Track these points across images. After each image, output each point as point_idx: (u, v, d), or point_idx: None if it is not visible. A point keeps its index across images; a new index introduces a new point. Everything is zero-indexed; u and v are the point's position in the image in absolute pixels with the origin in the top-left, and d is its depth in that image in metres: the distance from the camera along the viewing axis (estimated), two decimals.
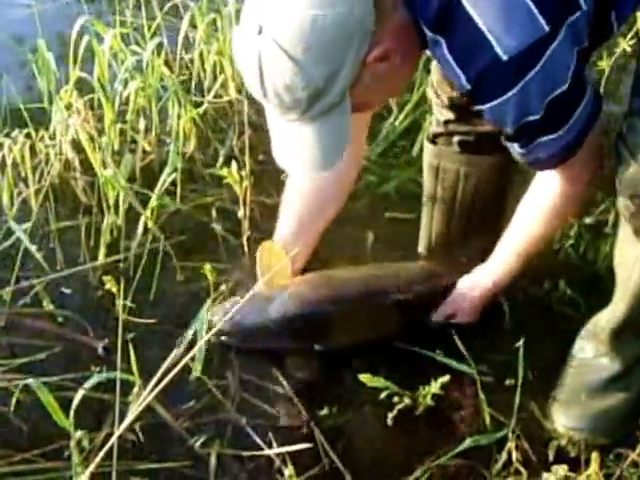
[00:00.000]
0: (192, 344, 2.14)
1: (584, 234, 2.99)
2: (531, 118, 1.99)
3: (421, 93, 3.51)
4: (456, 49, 1.96)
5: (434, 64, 2.67)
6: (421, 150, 2.95)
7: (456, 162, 2.76)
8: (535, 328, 2.61)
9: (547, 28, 1.86)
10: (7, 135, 3.14)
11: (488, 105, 2.00)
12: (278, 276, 2.53)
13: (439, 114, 2.74)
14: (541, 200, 2.34)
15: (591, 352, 2.40)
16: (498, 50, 1.88)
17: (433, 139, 2.78)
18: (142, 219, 2.82)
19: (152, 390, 1.71)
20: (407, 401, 2.37)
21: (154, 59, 3.32)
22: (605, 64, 3.48)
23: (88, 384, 2.08)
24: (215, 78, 3.65)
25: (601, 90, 3.38)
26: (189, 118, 3.29)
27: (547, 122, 2.02)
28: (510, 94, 1.94)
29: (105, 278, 2.47)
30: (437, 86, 2.69)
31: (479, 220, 2.82)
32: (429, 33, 1.97)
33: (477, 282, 2.58)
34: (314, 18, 1.80)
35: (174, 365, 1.69)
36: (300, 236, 2.65)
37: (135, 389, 2.09)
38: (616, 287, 2.28)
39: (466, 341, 2.43)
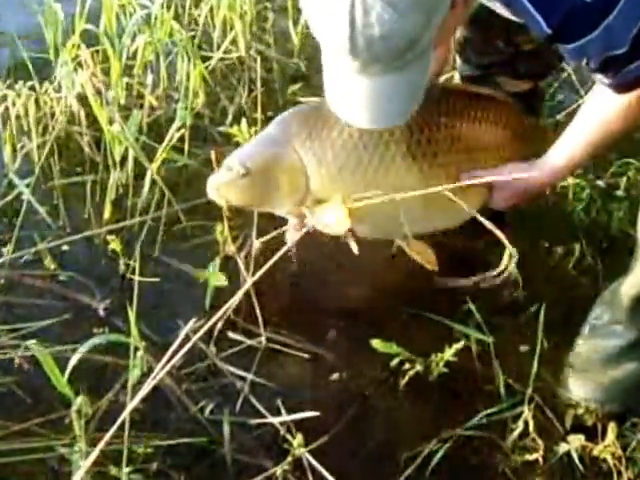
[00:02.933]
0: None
1: (596, 197, 2.83)
2: (617, 52, 1.88)
3: None
4: None
5: None
6: None
7: None
8: (549, 294, 2.44)
9: None
10: (10, 87, 2.97)
11: (571, 46, 1.90)
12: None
13: (462, 69, 2.65)
14: (607, 100, 2.13)
15: (607, 319, 2.24)
16: None
17: None
18: (148, 174, 2.64)
19: (164, 366, 1.48)
20: (419, 367, 2.21)
21: (163, 13, 3.15)
22: None
23: (85, 347, 1.93)
24: (225, 34, 3.46)
25: None
26: (198, 74, 3.10)
27: (633, 53, 1.89)
28: (595, 34, 1.85)
29: (109, 238, 2.33)
30: (463, 42, 2.59)
31: None
32: None
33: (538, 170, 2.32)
34: None
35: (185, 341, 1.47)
36: None
37: (139, 353, 1.88)
38: (636, 253, 2.13)
39: (480, 308, 2.30)
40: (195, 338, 1.48)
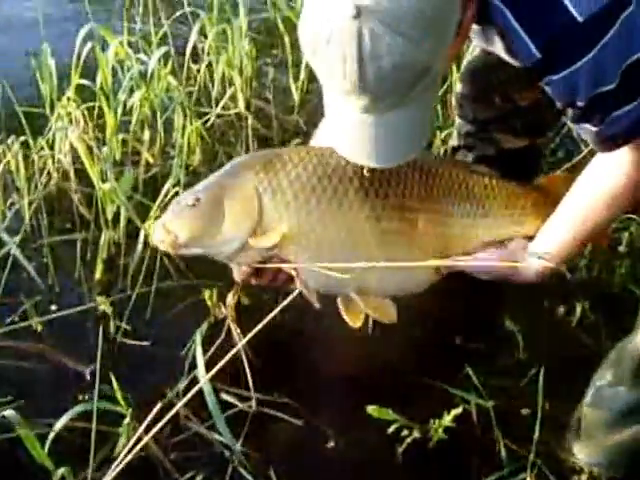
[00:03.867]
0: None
1: (597, 253, 2.72)
2: (605, 88, 1.81)
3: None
4: (525, 16, 1.79)
5: (460, 76, 2.50)
6: None
7: None
8: (551, 355, 2.36)
9: None
10: (2, 142, 2.90)
11: (561, 74, 1.82)
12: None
13: (460, 126, 2.52)
14: (599, 183, 2.07)
15: (612, 380, 2.14)
16: (573, 11, 1.73)
17: (452, 153, 2.52)
18: (142, 234, 2.55)
19: (148, 431, 1.39)
20: (417, 434, 2.11)
21: (160, 68, 3.09)
22: None
23: (68, 415, 1.87)
24: (224, 90, 3.39)
25: None
26: (195, 130, 3.04)
27: (623, 91, 1.82)
28: (585, 59, 1.78)
29: (99, 299, 2.27)
30: (460, 98, 2.52)
31: None
32: (495, 1, 1.79)
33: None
34: None
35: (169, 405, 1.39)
36: None
37: (126, 420, 1.79)
38: None
39: (479, 370, 2.21)
40: (177, 407, 1.40)
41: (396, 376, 2.29)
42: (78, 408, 1.87)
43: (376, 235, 2.08)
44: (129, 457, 1.37)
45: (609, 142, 1.95)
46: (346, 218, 2.07)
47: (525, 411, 2.21)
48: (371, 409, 2.08)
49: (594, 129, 1.92)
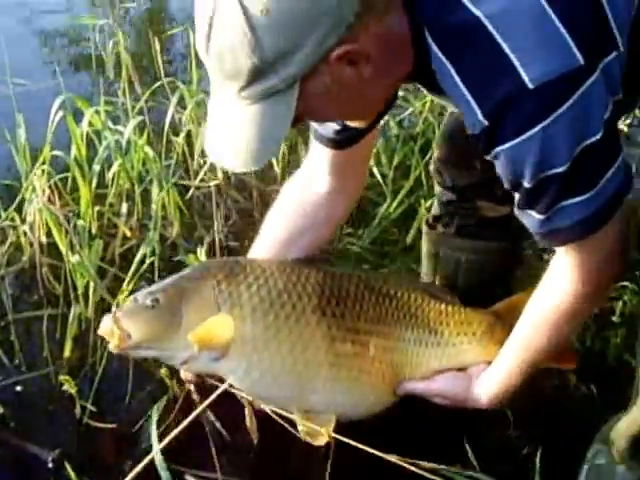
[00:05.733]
0: None
1: (590, 323, 2.61)
2: (555, 171, 1.61)
3: (416, 177, 3.19)
4: (472, 76, 1.60)
5: (437, 140, 2.37)
6: (416, 238, 2.68)
7: (456, 249, 2.39)
8: (544, 431, 2.24)
9: (583, 61, 1.54)
10: None
11: (507, 145, 1.61)
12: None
13: (440, 194, 2.37)
14: (550, 303, 1.92)
15: (606, 459, 2.02)
16: (524, 76, 1.54)
17: (432, 223, 2.39)
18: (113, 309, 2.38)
19: None
20: None
21: (136, 139, 3.00)
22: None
23: None
24: (203, 161, 3.28)
25: None
26: (173, 203, 2.93)
27: (573, 178, 1.63)
28: (534, 131, 1.57)
29: (63, 378, 2.16)
30: (440, 165, 2.36)
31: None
32: (439, 54, 1.61)
33: (479, 385, 2.12)
34: None
35: None
36: (278, 257, 2.23)
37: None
38: (636, 388, 1.94)
39: (472, 451, 2.09)
40: None
41: (386, 451, 2.06)
42: None
43: (329, 355, 2.03)
44: None
45: (552, 236, 1.76)
46: (301, 337, 2.02)
47: None
48: None
49: (538, 217, 1.73)
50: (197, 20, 1.56)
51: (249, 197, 3.23)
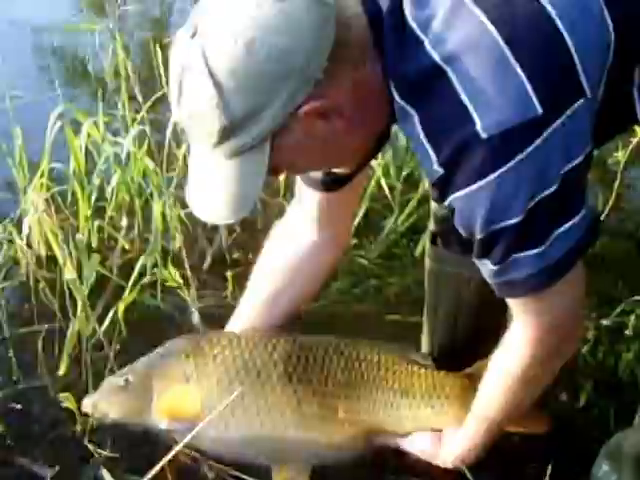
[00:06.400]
0: None
1: (602, 338, 2.58)
2: (506, 223, 1.59)
3: (425, 189, 3.09)
4: (430, 123, 1.59)
5: None
6: (425, 252, 2.55)
7: (457, 265, 2.30)
8: (555, 446, 2.18)
9: (540, 110, 1.51)
10: None
11: (459, 194, 1.59)
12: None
13: (437, 211, 2.28)
14: (505, 366, 1.92)
15: (613, 475, 1.94)
16: (478, 125, 1.52)
17: (434, 239, 2.32)
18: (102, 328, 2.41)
19: None
20: None
21: (136, 151, 2.94)
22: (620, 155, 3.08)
23: None
24: None
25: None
26: (175, 216, 2.87)
27: (526, 231, 1.61)
28: (486, 181, 1.54)
29: (62, 395, 2.17)
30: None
31: (486, 326, 2.32)
32: (399, 100, 1.60)
33: (445, 447, 2.11)
34: (251, 40, 1.49)
35: None
36: (262, 315, 2.24)
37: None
38: None
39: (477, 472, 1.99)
40: None
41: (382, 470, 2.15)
42: None
43: (295, 418, 2.08)
44: None
45: (507, 287, 1.74)
46: (267, 402, 2.08)
47: None
48: None
49: (492, 268, 1.70)
50: (169, 83, 1.59)
51: (253, 209, 3.15)
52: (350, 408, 2.10)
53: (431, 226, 2.36)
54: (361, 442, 2.10)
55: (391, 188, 3.14)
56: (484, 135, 1.51)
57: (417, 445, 2.12)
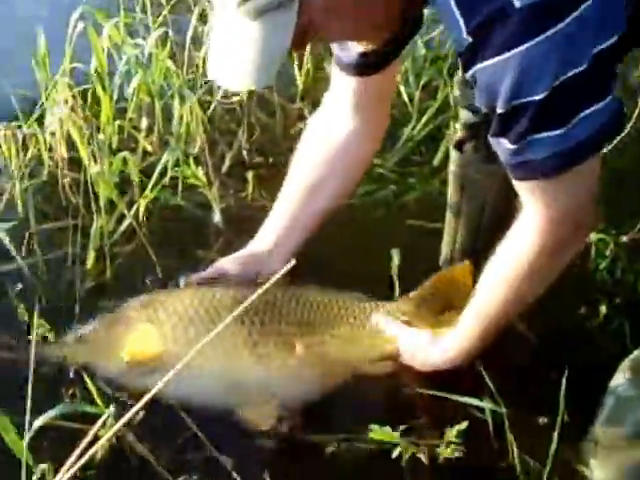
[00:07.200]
0: None
1: (620, 254, 2.54)
2: (530, 99, 1.54)
3: (443, 99, 3.08)
4: None
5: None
6: (443, 160, 2.61)
7: (484, 173, 2.27)
8: (571, 360, 2.10)
9: None
10: None
11: (485, 64, 1.55)
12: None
13: (465, 117, 2.26)
14: (511, 254, 1.87)
15: (631, 390, 1.94)
16: None
17: (459, 146, 2.30)
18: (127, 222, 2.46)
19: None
20: (422, 456, 1.93)
21: (158, 52, 2.90)
22: None
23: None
24: None
25: None
26: (195, 118, 2.84)
27: (549, 110, 1.56)
28: (515, 52, 1.51)
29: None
30: (463, 87, 2.27)
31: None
32: None
33: (437, 344, 2.08)
34: None
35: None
36: (303, 207, 2.20)
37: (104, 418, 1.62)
38: None
39: (493, 376, 2.00)
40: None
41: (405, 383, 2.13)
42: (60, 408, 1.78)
43: (252, 358, 2.08)
44: None
45: (522, 169, 1.70)
46: (223, 346, 2.07)
47: (542, 420, 2.02)
48: (373, 432, 1.90)
49: (509, 147, 1.66)
50: None
51: (272, 114, 3.14)
52: (308, 343, 2.11)
53: (460, 133, 2.33)
54: (324, 378, 2.10)
55: (410, 97, 3.09)
56: (518, 4, 1.47)
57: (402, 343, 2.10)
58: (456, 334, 2.03)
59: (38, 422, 1.71)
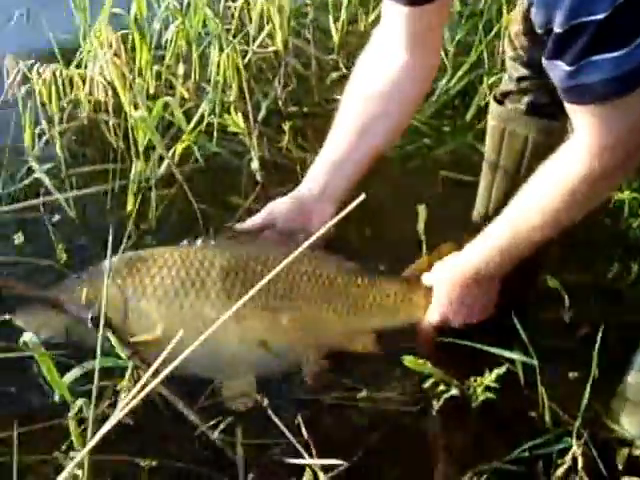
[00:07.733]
0: None
1: None
2: (591, 18, 1.46)
3: (478, 54, 3.08)
4: None
5: (514, 13, 2.18)
6: (476, 115, 2.64)
7: (524, 127, 2.24)
8: (603, 316, 2.12)
9: None
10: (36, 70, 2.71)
11: None
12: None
13: (513, 70, 2.23)
14: (558, 173, 1.78)
15: None
16: None
17: (501, 98, 2.27)
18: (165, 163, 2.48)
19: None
20: (455, 391, 1.93)
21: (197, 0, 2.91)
22: None
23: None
24: (261, 27, 3.19)
25: None
26: (231, 66, 2.84)
27: (609, 30, 1.47)
28: None
29: None
30: (515, 39, 2.19)
31: None
32: None
33: (454, 271, 2.04)
34: None
35: None
36: (353, 148, 2.11)
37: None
38: None
39: (526, 329, 1.97)
40: None
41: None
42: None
43: (237, 332, 2.04)
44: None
45: (577, 92, 1.61)
46: (208, 320, 2.02)
47: (573, 374, 2.04)
48: (407, 360, 1.90)
49: (565, 69, 1.58)
50: None
51: (307, 65, 3.15)
52: (294, 317, 2.09)
53: (503, 85, 2.29)
54: (312, 351, 2.09)
55: (445, 51, 3.07)
56: None
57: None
58: (482, 241, 1.96)
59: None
